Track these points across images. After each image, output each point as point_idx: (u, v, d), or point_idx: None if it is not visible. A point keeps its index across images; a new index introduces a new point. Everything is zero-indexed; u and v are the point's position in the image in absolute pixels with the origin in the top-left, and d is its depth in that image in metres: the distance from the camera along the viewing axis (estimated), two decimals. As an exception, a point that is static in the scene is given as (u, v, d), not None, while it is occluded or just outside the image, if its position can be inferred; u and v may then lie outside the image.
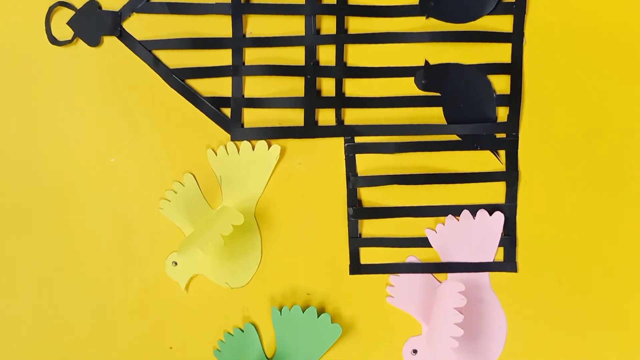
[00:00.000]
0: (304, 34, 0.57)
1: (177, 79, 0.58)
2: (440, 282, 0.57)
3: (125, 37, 0.58)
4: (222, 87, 0.59)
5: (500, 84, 0.56)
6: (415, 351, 0.58)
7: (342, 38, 0.57)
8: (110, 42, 0.59)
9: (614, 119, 0.56)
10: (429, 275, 0.57)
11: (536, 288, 0.57)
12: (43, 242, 0.61)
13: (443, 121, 0.57)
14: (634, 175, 0.56)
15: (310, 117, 0.57)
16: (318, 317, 0.58)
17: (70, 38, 0.59)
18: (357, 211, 0.58)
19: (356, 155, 0.57)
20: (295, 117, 0.58)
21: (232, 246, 0.59)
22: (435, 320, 0.55)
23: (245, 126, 0.59)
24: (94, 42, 0.59)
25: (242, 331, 0.60)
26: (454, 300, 0.52)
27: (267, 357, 0.60)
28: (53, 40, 0.59)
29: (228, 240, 0.56)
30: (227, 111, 0.58)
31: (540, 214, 0.56)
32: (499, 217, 0.56)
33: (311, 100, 0.57)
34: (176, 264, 0.59)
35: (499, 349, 0.57)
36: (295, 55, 0.58)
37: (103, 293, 0.60)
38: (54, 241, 0.61)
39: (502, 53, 0.56)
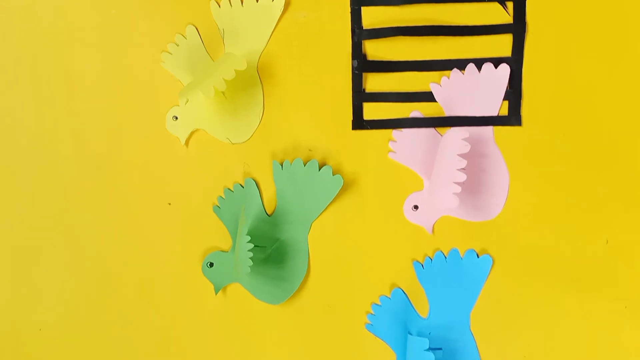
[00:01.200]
0: None
1: None
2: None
3: None
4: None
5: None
6: (416, 207, 0.58)
7: None
8: None
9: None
10: (432, 130, 0.57)
11: (540, 142, 0.56)
12: (43, 95, 0.59)
13: (451, -28, 0.55)
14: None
15: (316, -33, 0.56)
16: (319, 170, 0.57)
17: None
18: (362, 64, 0.57)
19: (362, 7, 0.56)
20: (300, -33, 0.57)
21: (233, 100, 0.58)
22: (438, 168, 0.54)
23: (250, -24, 0.57)
24: None
25: (242, 187, 0.59)
26: (458, 146, 0.52)
27: (267, 213, 0.59)
28: None
29: (229, 93, 0.55)
30: (231, -38, 0.57)
31: (547, 66, 0.56)
32: (504, 69, 0.56)
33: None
34: (177, 118, 0.59)
35: (500, 204, 0.57)
36: None
37: (102, 148, 0.60)
38: (54, 95, 0.59)
39: None
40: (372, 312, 0.58)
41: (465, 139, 0.52)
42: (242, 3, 0.57)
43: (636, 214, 0.55)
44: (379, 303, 0.58)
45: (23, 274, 0.61)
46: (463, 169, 0.51)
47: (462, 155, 0.52)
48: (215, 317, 0.60)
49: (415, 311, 0.58)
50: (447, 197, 0.52)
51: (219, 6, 0.57)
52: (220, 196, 0.59)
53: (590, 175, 0.56)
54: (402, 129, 0.57)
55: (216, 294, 0.59)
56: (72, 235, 0.60)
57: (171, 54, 0.58)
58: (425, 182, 0.57)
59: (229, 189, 0.59)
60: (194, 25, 0.58)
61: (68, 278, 0.61)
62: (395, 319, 0.58)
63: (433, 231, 0.57)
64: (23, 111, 0.60)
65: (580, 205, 0.56)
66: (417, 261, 0.58)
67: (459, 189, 0.51)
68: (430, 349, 0.54)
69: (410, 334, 0.56)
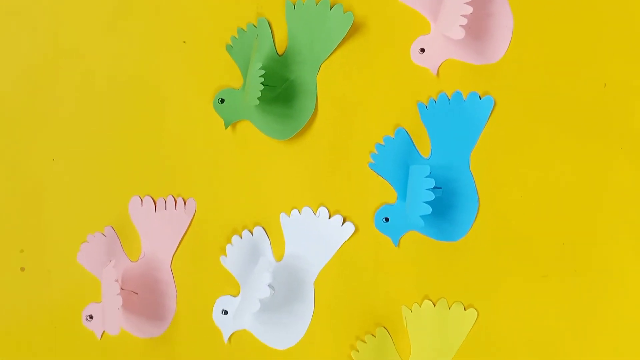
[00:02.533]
0: None
1: None
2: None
3: None
4: None
5: None
6: (422, 50, 0.60)
7: None
8: None
9: None
10: (441, -28, 0.58)
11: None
12: None
13: None
14: None
15: None
16: (331, 9, 0.59)
17: None
18: None
19: None
20: None
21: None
22: (445, 4, 0.56)
23: None
24: None
25: (255, 27, 0.61)
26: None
27: (277, 53, 0.61)
28: None
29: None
30: None
31: None
32: None
33: None
34: None
35: (504, 47, 0.58)
36: None
37: None
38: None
39: None
40: (376, 151, 0.60)
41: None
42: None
43: (633, 58, 0.56)
44: (383, 143, 0.60)
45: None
46: (469, 2, 0.53)
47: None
48: (223, 151, 0.62)
49: (417, 151, 0.60)
50: (453, 29, 0.54)
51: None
52: (234, 36, 0.61)
53: (592, 19, 0.57)
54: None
55: (226, 129, 0.61)
56: (88, 69, 0.63)
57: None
58: (432, 25, 0.59)
59: (242, 28, 0.61)
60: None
61: (83, 109, 0.64)
62: (398, 159, 0.60)
63: (438, 73, 0.59)
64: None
65: (580, 49, 0.57)
66: (422, 102, 0.59)
67: (465, 21, 0.53)
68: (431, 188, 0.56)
69: (412, 170, 0.58)
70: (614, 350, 0.54)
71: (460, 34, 0.54)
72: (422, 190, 0.54)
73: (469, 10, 0.53)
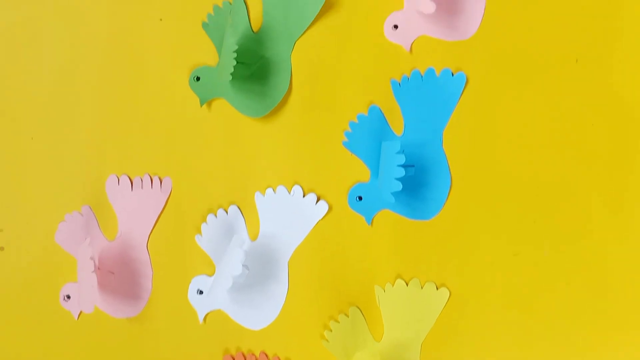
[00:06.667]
0: None
1: None
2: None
3: None
4: None
5: None
6: (396, 26, 0.60)
7: None
8: None
9: None
10: (414, -51, 0.58)
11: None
12: None
13: None
14: None
15: None
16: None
17: None
18: None
19: None
20: None
21: None
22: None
23: None
24: None
25: (230, 4, 0.61)
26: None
27: (252, 30, 0.61)
28: None
29: None
30: None
31: None
32: None
33: None
34: None
35: (476, 24, 0.58)
36: None
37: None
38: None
39: None
40: (350, 129, 0.60)
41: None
42: None
43: (605, 33, 0.55)
44: (357, 121, 0.60)
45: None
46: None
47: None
48: (199, 129, 0.62)
49: (390, 128, 0.59)
50: (423, 3, 0.54)
51: None
52: (209, 13, 0.61)
53: None
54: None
55: (201, 107, 0.62)
56: (64, 48, 0.63)
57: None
58: (405, 1, 0.59)
59: (218, 5, 0.61)
60: None
61: (61, 89, 0.65)
62: (371, 137, 0.60)
63: (411, 50, 0.59)
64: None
65: (553, 25, 0.56)
66: (395, 79, 0.59)
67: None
68: (403, 165, 0.56)
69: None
70: (585, 327, 0.54)
71: (430, 7, 0.54)
72: (393, 167, 0.54)
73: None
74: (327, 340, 0.60)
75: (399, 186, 0.53)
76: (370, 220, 0.59)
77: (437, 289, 0.58)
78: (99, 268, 0.62)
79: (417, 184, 0.59)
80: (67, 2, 0.66)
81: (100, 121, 0.66)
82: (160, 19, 0.63)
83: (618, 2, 0.54)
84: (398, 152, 0.53)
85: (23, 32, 0.68)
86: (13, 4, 0.68)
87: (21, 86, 0.68)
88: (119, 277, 0.65)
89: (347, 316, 0.60)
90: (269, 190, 0.61)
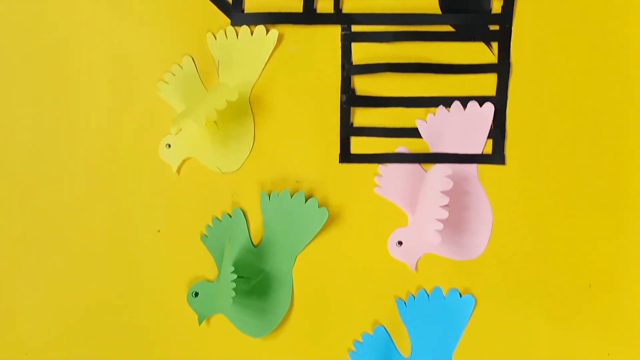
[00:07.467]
0: None
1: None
2: (429, 173, 0.57)
3: None
4: (224, -27, 0.60)
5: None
6: (400, 243, 0.58)
7: None
8: None
9: (611, 17, 0.56)
10: (417, 166, 0.57)
11: (524, 181, 0.56)
12: (43, 114, 0.62)
13: (438, 11, 0.57)
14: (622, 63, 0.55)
15: (309, 4, 0.58)
16: (306, 202, 0.58)
17: None
18: (350, 98, 0.58)
19: (352, 43, 0.58)
20: (294, 4, 0.59)
21: (225, 130, 0.60)
22: (422, 204, 0.55)
23: (246, 11, 0.59)
24: None
25: (230, 216, 0.60)
26: (441, 183, 0.52)
27: (253, 244, 0.59)
28: None
29: (221, 123, 0.57)
30: (228, -4, 0.59)
31: (530, 106, 0.56)
32: (489, 108, 0.56)
33: (310, -12, 0.58)
34: (169, 146, 0.60)
35: (484, 243, 0.57)
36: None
37: (95, 172, 0.62)
38: (53, 114, 0.62)
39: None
40: (354, 349, 0.57)
41: (448, 176, 0.52)
42: (237, 35, 0.59)
43: (618, 252, 0.54)
44: (361, 340, 0.57)
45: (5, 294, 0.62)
46: (446, 205, 0.51)
47: (445, 193, 0.52)
48: (198, 348, 0.60)
49: (397, 350, 0.57)
50: (429, 233, 0.52)
51: (215, 38, 0.59)
52: (208, 225, 0.60)
53: (572, 215, 0.55)
54: (388, 164, 0.57)
55: (200, 325, 0.59)
56: (61, 255, 0.61)
57: (167, 83, 0.60)
58: (410, 217, 0.57)
59: (217, 218, 0.60)
60: (190, 56, 0.59)
61: (54, 298, 0.61)
62: (377, 358, 0.57)
63: (417, 268, 0.57)
64: (21, 121, 0.61)
65: (563, 245, 0.55)
66: (400, 298, 0.57)
67: (441, 225, 0.51)
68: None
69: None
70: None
71: (436, 239, 0.52)
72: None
73: (445, 215, 0.51)
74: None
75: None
76: None
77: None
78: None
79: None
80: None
81: (92, 344, 0.63)
82: (159, 231, 0.61)
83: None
84: None
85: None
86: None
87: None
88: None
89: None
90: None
